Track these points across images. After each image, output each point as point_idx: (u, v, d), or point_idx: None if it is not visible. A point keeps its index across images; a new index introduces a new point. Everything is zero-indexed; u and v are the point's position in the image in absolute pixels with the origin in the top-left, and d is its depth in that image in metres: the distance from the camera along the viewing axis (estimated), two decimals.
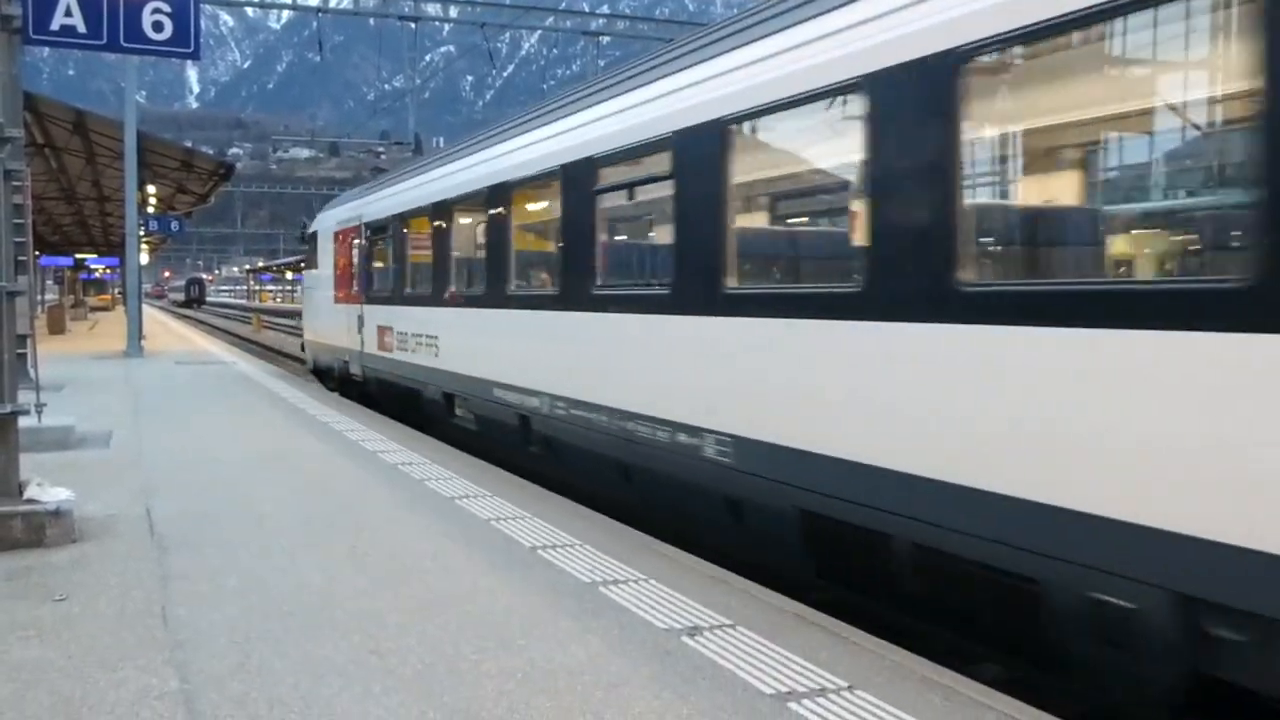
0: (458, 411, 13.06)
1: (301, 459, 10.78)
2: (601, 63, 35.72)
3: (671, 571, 6.64)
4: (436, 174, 14.50)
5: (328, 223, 21.15)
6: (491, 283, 11.77)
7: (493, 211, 11.79)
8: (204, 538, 7.38)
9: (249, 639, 5.25)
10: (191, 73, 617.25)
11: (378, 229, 17.06)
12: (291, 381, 20.88)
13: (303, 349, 24.73)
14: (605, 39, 38.63)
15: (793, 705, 4.46)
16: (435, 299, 13.70)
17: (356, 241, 18.31)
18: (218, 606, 5.79)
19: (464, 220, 13.39)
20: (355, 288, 18.25)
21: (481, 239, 12.52)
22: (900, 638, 5.68)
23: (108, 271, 78.77)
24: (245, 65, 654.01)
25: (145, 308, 33.61)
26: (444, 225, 13.56)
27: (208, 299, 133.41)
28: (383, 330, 16.32)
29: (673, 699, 4.52)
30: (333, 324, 19.87)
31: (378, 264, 17.27)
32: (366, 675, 4.76)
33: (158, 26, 7.97)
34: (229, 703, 4.44)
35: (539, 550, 7.11)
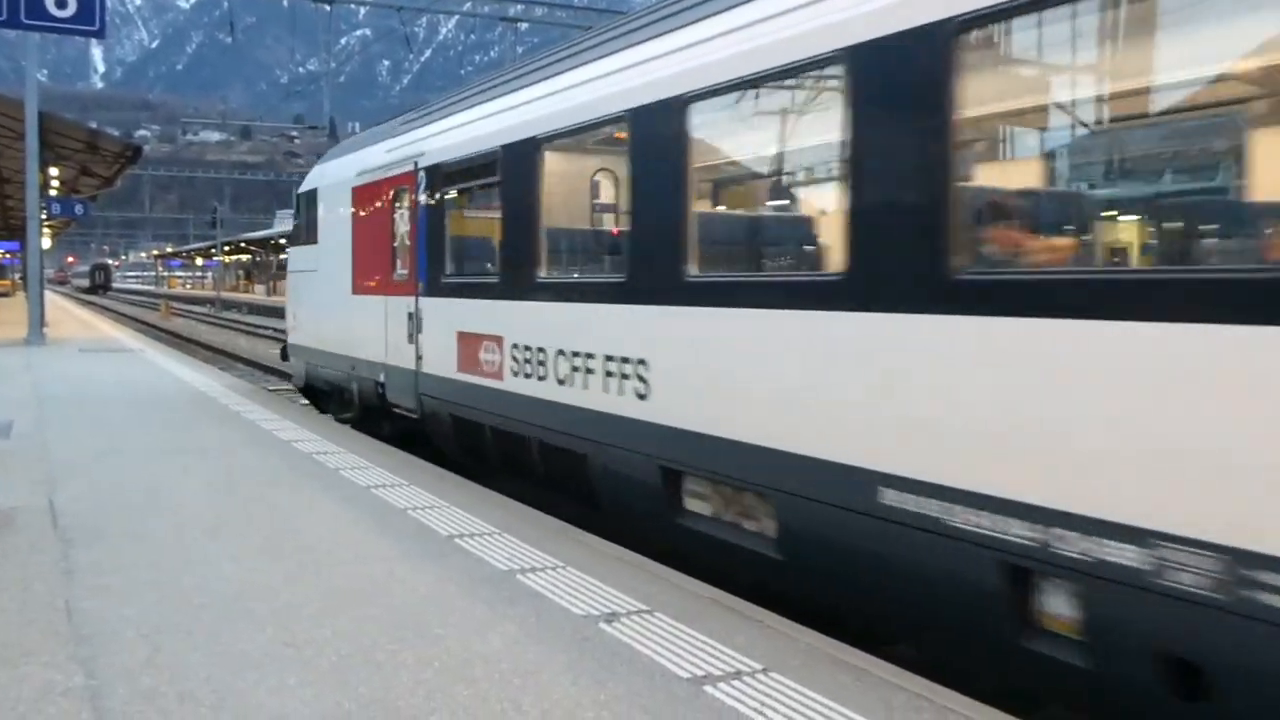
0: (693, 507, 7.12)
1: (214, 448, 10.57)
2: (520, 49, 35.49)
3: (590, 559, 6.67)
4: (640, 53, 7.74)
5: (338, 175, 14.31)
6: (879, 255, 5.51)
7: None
8: (112, 530, 7.20)
9: (159, 632, 5.15)
10: (96, 52, 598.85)
11: (461, 173, 10.44)
12: (198, 368, 20.43)
13: (284, 357, 17.60)
14: (524, 25, 38.37)
15: (708, 689, 4.52)
16: (641, 289, 7.47)
17: (406, 199, 11.68)
18: (126, 600, 5.66)
19: (764, 127, 7.20)
20: (401, 271, 11.80)
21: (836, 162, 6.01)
22: (816, 622, 5.78)
23: (8, 256, 76.25)
24: (153, 45, 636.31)
25: (48, 294, 32.62)
26: (688, 142, 7.04)
27: (114, 285, 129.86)
28: (470, 341, 9.96)
29: (590, 685, 4.54)
30: (347, 324, 13.43)
31: (459, 232, 11.04)
32: (281, 668, 4.70)
33: (61, 3, 7.75)
34: (138, 698, 4.35)
35: (456, 539, 7.08)
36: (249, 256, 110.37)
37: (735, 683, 4.60)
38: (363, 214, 13.08)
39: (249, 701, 4.32)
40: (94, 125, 34.89)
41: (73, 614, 5.42)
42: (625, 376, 7.58)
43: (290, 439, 11.39)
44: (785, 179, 7.80)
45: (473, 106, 10.67)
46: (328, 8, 35.29)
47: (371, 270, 12.69)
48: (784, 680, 4.64)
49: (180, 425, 12.27)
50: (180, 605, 5.58)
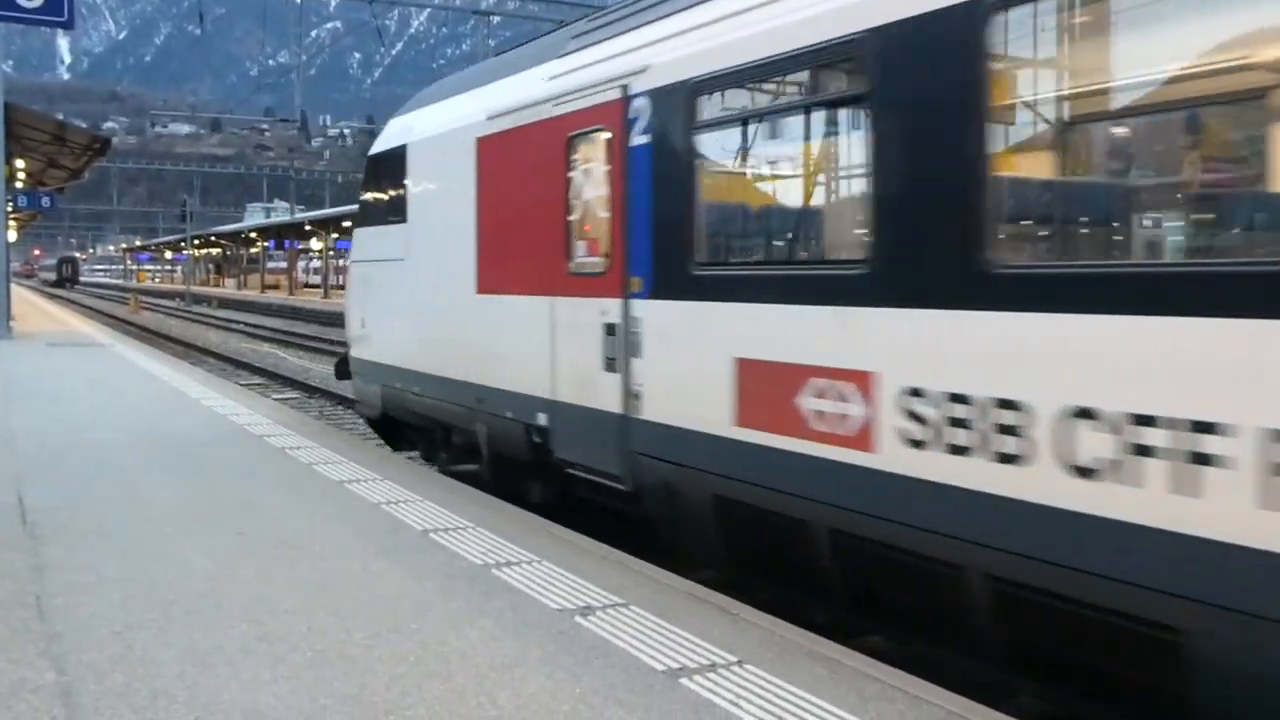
0: None
1: (186, 444, 10.50)
2: (492, 42, 35.39)
3: (565, 553, 6.68)
4: None
5: (445, 123, 10.27)
6: None
7: None
8: (82, 526, 7.14)
9: (131, 629, 5.12)
10: (63, 42, 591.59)
11: (748, 87, 6.65)
12: (171, 364, 20.29)
13: (341, 375, 13.39)
14: (496, 19, 38.25)
15: (684, 681, 4.54)
16: None
17: (600, 145, 7.77)
18: (98, 596, 5.62)
19: None
20: (587, 258, 8.02)
21: None
22: (790, 614, 5.81)
23: None
24: (121, 36, 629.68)
25: (14, 287, 32.27)
26: None
27: (81, 279, 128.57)
28: (774, 376, 6.11)
29: (565, 678, 4.56)
30: (468, 337, 9.58)
31: (737, 192, 7.39)
32: (255, 663, 4.69)
33: None
34: (110, 694, 4.33)
35: (431, 533, 7.07)
36: (219, 250, 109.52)
37: (710, 675, 4.62)
38: (501, 175, 9.05)
39: (222, 698, 4.30)
40: (61, 117, 34.50)
41: (44, 611, 5.37)
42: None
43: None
44: None
45: None
46: (298, 0, 35.05)
47: (520, 257, 8.72)
48: (759, 672, 4.67)
49: (150, 410, 12.17)
50: (152, 601, 5.54)
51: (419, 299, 10.64)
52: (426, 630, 5.15)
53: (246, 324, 45.68)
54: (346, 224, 68.17)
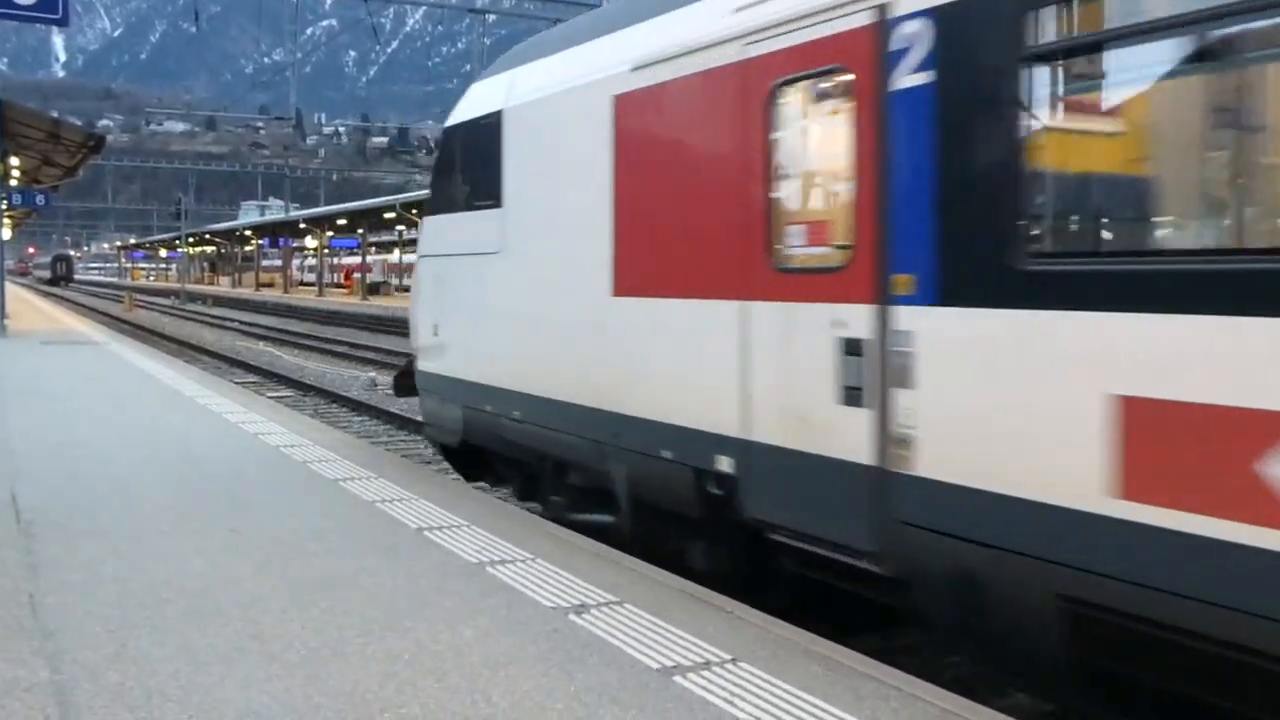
0: None
1: (173, 439, 10.48)
2: (488, 41, 35.38)
3: (560, 551, 6.67)
4: None
5: (562, 80, 8.20)
6: None
7: None
8: (76, 524, 7.13)
9: (125, 627, 5.11)
10: (58, 40, 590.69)
11: None
12: (167, 362, 20.25)
13: (401, 390, 11.27)
14: (492, 17, 38.23)
15: (678, 679, 4.54)
16: None
17: (830, 94, 5.82)
18: (92, 594, 5.61)
19: None
20: (801, 249, 6.03)
21: None
22: (784, 613, 5.81)
23: None
24: (116, 34, 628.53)
25: (8, 285, 32.16)
26: None
27: (76, 277, 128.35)
28: (1239, 429, 3.82)
29: (560, 676, 4.55)
30: (597, 351, 7.56)
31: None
32: (250, 662, 4.68)
33: None
34: (104, 693, 4.32)
35: (425, 531, 7.07)
36: (214, 248, 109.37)
37: (705, 673, 4.62)
38: (652, 140, 7.04)
39: (216, 696, 4.29)
40: (55, 115, 34.41)
41: (38, 609, 5.36)
42: None
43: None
44: None
45: None
46: None
47: (687, 248, 6.66)
48: (753, 670, 4.67)
49: (150, 414, 12.15)
50: (146, 600, 5.53)
51: (521, 301, 8.53)
52: (420, 628, 5.14)
53: (241, 322, 45.63)
54: (341, 222, 68.23)
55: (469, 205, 9.43)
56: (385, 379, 22.44)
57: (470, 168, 9.48)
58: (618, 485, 7.34)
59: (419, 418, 14.27)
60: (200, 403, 13.69)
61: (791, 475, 5.77)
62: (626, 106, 7.22)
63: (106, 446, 10.17)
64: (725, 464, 6.23)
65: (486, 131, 9.05)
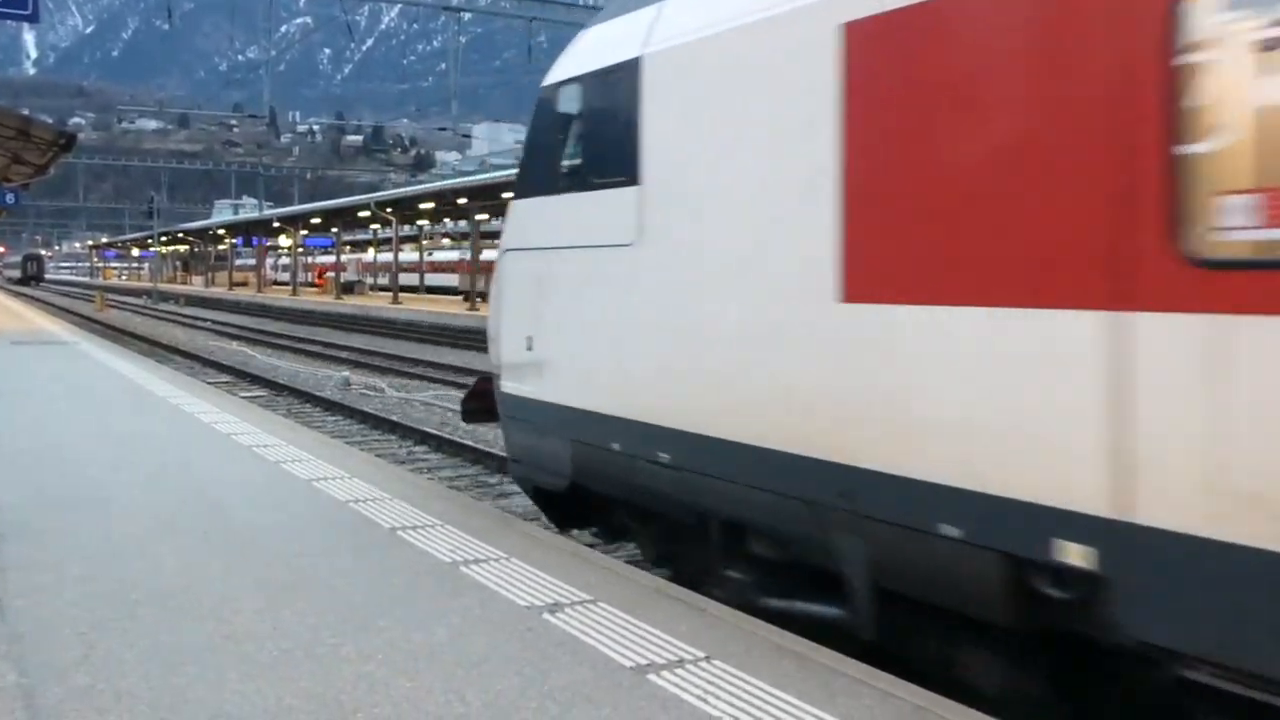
0: None
1: (144, 440, 10.40)
2: (463, 39, 35.27)
3: (534, 550, 6.67)
4: None
5: (742, 12, 5.95)
6: None
7: None
8: (45, 525, 7.06)
9: (94, 629, 5.06)
10: (29, 37, 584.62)
11: None
12: (136, 361, 20.09)
13: (472, 415, 9.03)
14: (467, 15, 38.14)
15: (652, 677, 4.55)
16: None
17: None
18: (60, 596, 5.56)
19: None
20: None
21: None
22: (757, 611, 5.83)
23: None
24: (88, 30, 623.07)
25: None
26: None
27: (47, 276, 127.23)
28: None
29: (534, 675, 4.55)
30: (815, 381, 5.38)
31: None
32: (221, 663, 4.65)
33: None
34: (73, 696, 4.28)
35: (398, 531, 7.04)
36: (187, 247, 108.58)
37: (679, 671, 4.63)
38: (924, 83, 4.87)
39: (188, 698, 4.26)
40: (26, 112, 34.09)
41: (5, 612, 5.31)
42: None
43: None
44: None
45: None
46: None
47: (983, 235, 4.61)
48: (726, 667, 4.68)
49: (115, 419, 12.04)
50: (116, 601, 5.48)
51: (668, 308, 6.52)
52: (393, 628, 5.13)
53: (214, 321, 45.32)
54: (315, 220, 67.83)
55: (585, 184, 7.39)
56: (359, 379, 22.50)
57: (588, 136, 7.44)
58: (850, 567, 5.35)
59: (394, 417, 14.11)
60: (172, 403, 13.59)
61: (1237, 585, 3.75)
62: (862, 39, 5.21)
63: (76, 448, 10.08)
64: (1077, 554, 4.26)
65: (614, 87, 7.06)
